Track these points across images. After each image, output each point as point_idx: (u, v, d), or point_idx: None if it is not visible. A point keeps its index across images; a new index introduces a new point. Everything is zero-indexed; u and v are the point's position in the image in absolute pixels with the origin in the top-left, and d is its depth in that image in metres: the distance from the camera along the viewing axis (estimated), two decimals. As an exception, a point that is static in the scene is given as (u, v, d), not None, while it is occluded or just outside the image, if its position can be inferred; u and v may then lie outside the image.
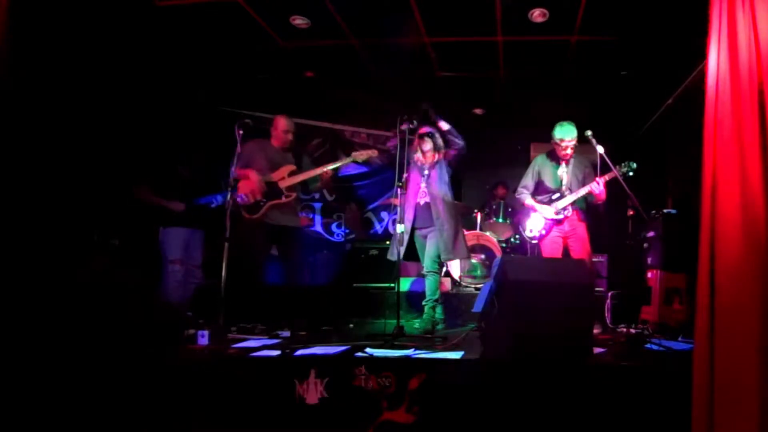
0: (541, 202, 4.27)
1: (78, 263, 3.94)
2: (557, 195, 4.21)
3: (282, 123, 4.31)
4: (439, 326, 4.17)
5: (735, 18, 2.27)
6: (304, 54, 5.33)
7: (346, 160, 4.35)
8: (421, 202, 4.21)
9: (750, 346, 2.06)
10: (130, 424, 2.70)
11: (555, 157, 4.26)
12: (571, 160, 4.22)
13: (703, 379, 2.15)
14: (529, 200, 4.33)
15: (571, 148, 4.13)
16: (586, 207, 4.26)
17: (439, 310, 4.24)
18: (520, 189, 4.43)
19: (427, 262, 4.16)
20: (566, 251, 4.24)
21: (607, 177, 4.01)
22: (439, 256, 4.14)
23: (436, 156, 4.27)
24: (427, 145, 4.24)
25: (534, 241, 4.39)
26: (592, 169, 4.13)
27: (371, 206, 7.03)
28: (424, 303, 4.20)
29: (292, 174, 4.22)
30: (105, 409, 2.70)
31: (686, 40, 4.05)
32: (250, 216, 4.10)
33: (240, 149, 3.92)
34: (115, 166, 4.56)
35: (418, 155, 4.30)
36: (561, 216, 4.17)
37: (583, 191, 4.09)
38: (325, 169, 4.23)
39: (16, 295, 2.89)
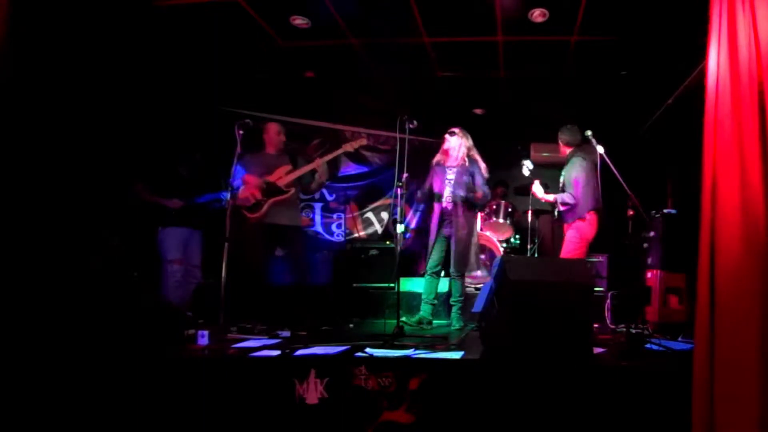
0: None
1: (77, 263, 3.94)
2: None
3: (272, 127, 4.49)
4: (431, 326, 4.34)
5: (735, 18, 2.27)
6: (304, 54, 5.33)
7: (338, 152, 4.37)
8: (449, 208, 4.35)
9: (750, 346, 2.06)
10: (129, 424, 2.70)
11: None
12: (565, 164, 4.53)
13: (703, 379, 2.15)
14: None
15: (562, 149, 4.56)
16: (557, 211, 4.57)
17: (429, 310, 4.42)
18: None
19: (454, 266, 4.32)
20: None
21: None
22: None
23: (460, 157, 4.36)
24: (447, 143, 4.40)
25: None
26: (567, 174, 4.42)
27: (371, 206, 7.03)
28: (451, 302, 4.40)
29: (289, 172, 4.30)
30: (104, 409, 2.70)
31: (686, 40, 4.04)
32: (252, 215, 4.18)
33: (240, 149, 3.93)
34: (114, 165, 4.56)
35: (439, 156, 4.47)
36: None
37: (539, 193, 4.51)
38: (319, 162, 4.30)
39: (14, 296, 2.88)
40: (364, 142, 4.41)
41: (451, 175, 4.38)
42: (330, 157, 4.38)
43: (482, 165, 4.40)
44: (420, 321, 4.30)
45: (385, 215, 6.97)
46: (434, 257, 4.38)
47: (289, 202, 4.30)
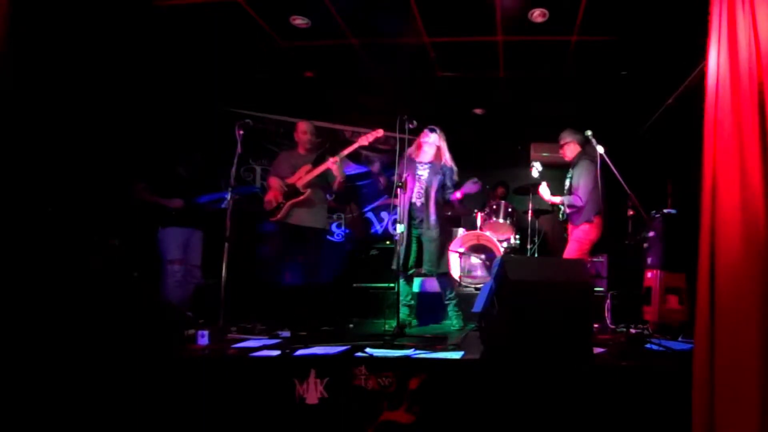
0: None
1: (77, 263, 3.94)
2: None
3: (299, 126, 4.50)
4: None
5: (735, 18, 2.27)
6: (304, 54, 5.33)
7: (354, 147, 4.30)
8: (418, 203, 4.24)
9: (750, 346, 2.06)
10: (130, 424, 2.70)
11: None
12: (572, 166, 4.50)
13: (703, 379, 2.15)
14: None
15: (562, 150, 4.55)
16: (563, 213, 4.53)
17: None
18: None
19: (430, 266, 4.22)
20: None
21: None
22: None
23: (438, 155, 4.25)
24: (425, 137, 4.26)
25: None
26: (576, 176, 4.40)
27: (371, 206, 7.03)
28: (445, 302, 4.28)
29: (308, 172, 4.29)
30: (105, 408, 2.70)
31: (686, 40, 4.04)
32: (274, 219, 4.24)
33: (240, 149, 3.93)
34: (114, 166, 4.56)
35: (412, 149, 4.30)
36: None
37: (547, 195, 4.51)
38: (332, 161, 4.23)
39: (15, 296, 2.88)
40: (380, 134, 4.23)
41: (422, 171, 4.28)
42: (347, 152, 4.30)
43: (455, 168, 4.33)
44: (402, 324, 4.08)
45: (385, 215, 6.98)
46: (411, 258, 4.28)
47: (307, 203, 4.27)
